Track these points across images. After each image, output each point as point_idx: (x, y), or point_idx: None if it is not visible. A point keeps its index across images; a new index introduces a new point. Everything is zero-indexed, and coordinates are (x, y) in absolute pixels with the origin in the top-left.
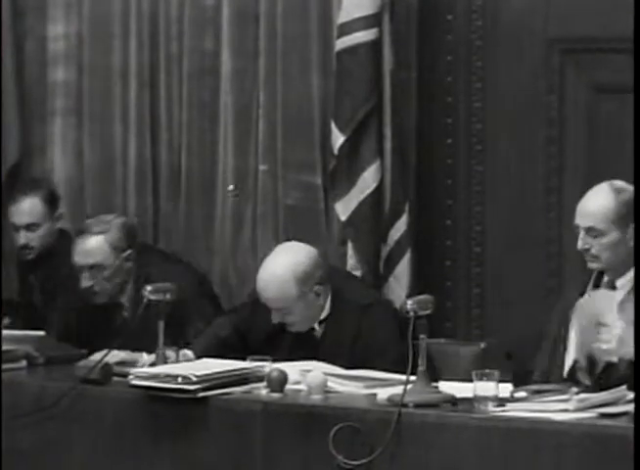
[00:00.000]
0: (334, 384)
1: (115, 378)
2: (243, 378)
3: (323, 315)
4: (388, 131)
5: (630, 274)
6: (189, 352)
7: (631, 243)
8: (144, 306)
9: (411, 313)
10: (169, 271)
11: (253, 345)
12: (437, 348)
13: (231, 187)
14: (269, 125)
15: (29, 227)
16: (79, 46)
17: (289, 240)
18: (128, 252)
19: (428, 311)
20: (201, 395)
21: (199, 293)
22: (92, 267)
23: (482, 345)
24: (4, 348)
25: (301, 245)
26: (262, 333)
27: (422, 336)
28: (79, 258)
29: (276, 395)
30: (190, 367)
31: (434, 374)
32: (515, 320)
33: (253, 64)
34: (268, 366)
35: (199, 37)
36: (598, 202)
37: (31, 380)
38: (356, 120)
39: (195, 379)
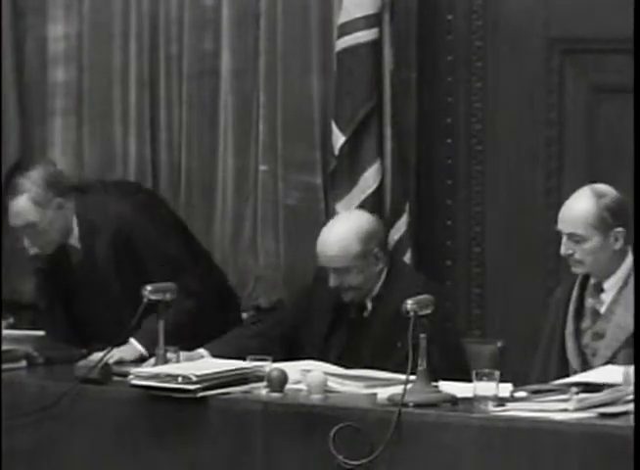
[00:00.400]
0: (334, 384)
1: (116, 378)
2: (243, 378)
3: (377, 288)
4: (388, 131)
5: (617, 276)
6: (204, 352)
7: (615, 246)
8: (143, 307)
9: (411, 313)
10: (108, 202)
11: (300, 340)
12: None
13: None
14: (269, 126)
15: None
16: (79, 46)
17: (289, 240)
18: (56, 201)
19: (428, 311)
20: (201, 394)
21: (152, 221)
22: (26, 227)
23: (499, 343)
24: (4, 348)
25: (362, 211)
26: (315, 327)
27: (422, 335)
28: (12, 220)
29: (276, 394)
30: (190, 367)
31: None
32: (515, 320)
33: (254, 64)
34: (268, 366)
35: (199, 38)
36: (579, 207)
37: (31, 380)
38: (357, 121)
39: (195, 379)
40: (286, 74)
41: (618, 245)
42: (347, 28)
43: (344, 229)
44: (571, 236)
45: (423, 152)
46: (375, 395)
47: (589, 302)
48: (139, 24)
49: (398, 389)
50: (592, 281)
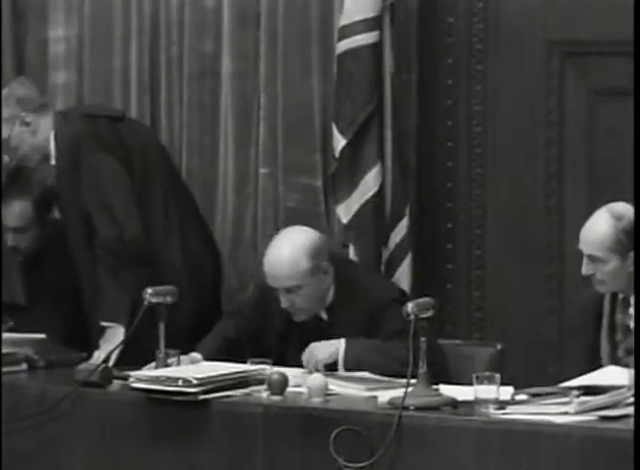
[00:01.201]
0: (334, 386)
1: (116, 381)
2: (243, 381)
3: (329, 300)
4: (388, 134)
5: None
6: (197, 355)
7: (631, 268)
8: (144, 310)
9: (412, 316)
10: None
11: (262, 344)
12: (453, 349)
13: None
14: (270, 128)
15: (17, 230)
16: (80, 48)
17: None
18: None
19: (429, 314)
20: (201, 397)
21: None
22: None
23: (499, 346)
24: (4, 351)
25: (303, 227)
26: (270, 331)
27: (422, 338)
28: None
29: (277, 397)
30: (190, 370)
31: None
32: (515, 323)
33: (254, 66)
34: (269, 369)
35: (199, 39)
36: (597, 230)
37: (32, 383)
38: (357, 123)
39: (195, 382)
40: (286, 77)
41: (632, 267)
42: (348, 31)
43: (292, 248)
44: (590, 257)
45: (423, 155)
46: (375, 398)
47: (619, 317)
48: (139, 26)
49: (399, 392)
50: (620, 296)
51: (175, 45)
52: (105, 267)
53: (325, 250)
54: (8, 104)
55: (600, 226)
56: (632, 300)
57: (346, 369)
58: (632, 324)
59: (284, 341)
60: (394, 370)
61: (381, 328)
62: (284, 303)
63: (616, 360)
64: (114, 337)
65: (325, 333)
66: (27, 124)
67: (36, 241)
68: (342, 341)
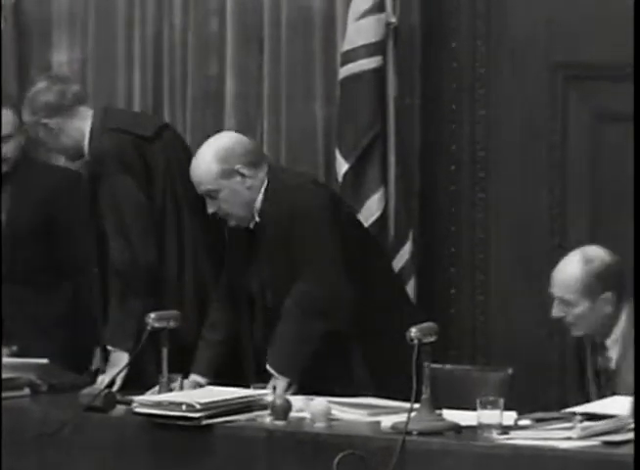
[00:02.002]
0: (337, 411)
1: (119, 405)
2: (247, 406)
3: (258, 205)
4: (392, 159)
5: (616, 334)
6: (198, 378)
7: (605, 310)
8: (147, 334)
9: (415, 341)
10: None
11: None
12: (462, 374)
13: None
14: (273, 151)
15: (5, 139)
16: (83, 72)
17: None
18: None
19: (432, 339)
20: (205, 422)
21: None
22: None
23: (510, 371)
24: (7, 376)
25: (227, 132)
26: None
27: (426, 363)
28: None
29: (280, 422)
30: (194, 395)
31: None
32: (519, 348)
33: (257, 89)
34: (272, 394)
35: (203, 62)
36: (567, 272)
37: (34, 407)
38: (360, 148)
39: (199, 407)
40: (289, 101)
41: (608, 309)
42: (351, 56)
43: (205, 153)
44: (561, 300)
45: (426, 179)
46: (378, 423)
47: (599, 360)
48: (143, 49)
49: (402, 417)
50: (597, 340)
51: (179, 68)
52: (113, 291)
53: (239, 152)
54: (33, 109)
55: (570, 269)
56: (607, 342)
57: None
58: (613, 366)
59: (230, 249)
60: None
61: (305, 237)
62: (209, 208)
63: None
64: (119, 361)
65: (254, 238)
66: (51, 130)
67: (19, 150)
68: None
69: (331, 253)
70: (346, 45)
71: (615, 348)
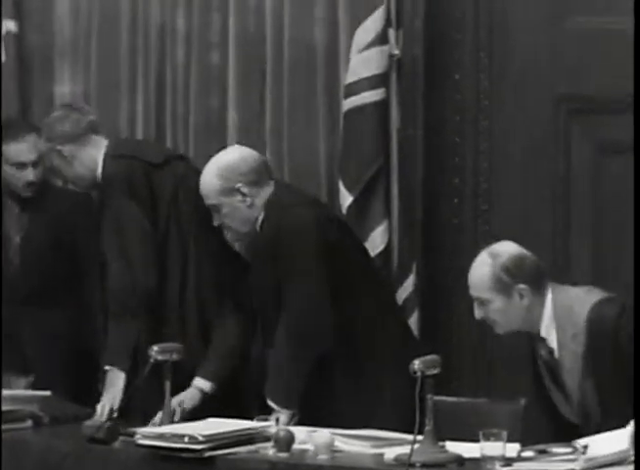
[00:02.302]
0: (341, 443)
1: (122, 437)
2: (250, 438)
3: (259, 222)
4: (395, 191)
5: (546, 321)
6: (203, 384)
7: (523, 302)
8: (149, 367)
9: (418, 373)
10: None
11: None
12: (472, 406)
13: None
14: None
15: (34, 165)
16: (86, 102)
17: None
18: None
19: (435, 371)
20: (207, 454)
21: None
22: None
23: (522, 401)
24: (9, 408)
25: (241, 147)
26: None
27: (429, 396)
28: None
29: (283, 454)
30: (196, 427)
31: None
32: (522, 381)
33: (259, 123)
34: (275, 426)
35: (205, 94)
36: (477, 271)
37: (37, 439)
38: (364, 181)
39: (201, 439)
40: (292, 134)
41: (526, 301)
42: (354, 88)
43: (209, 166)
44: (478, 300)
45: (430, 211)
46: (382, 454)
47: (543, 353)
48: (145, 82)
49: (405, 449)
50: (532, 333)
51: (181, 101)
52: (111, 313)
53: (243, 170)
54: (49, 137)
55: (479, 268)
56: (543, 332)
57: None
58: (557, 355)
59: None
60: None
61: (289, 260)
62: (214, 220)
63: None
64: (116, 380)
65: (251, 257)
66: (64, 157)
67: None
68: None
69: (315, 278)
70: (350, 77)
71: (552, 336)
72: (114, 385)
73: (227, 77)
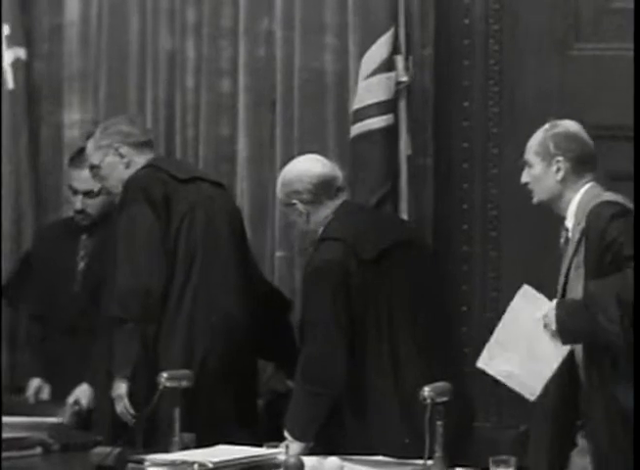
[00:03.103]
0: None
1: (131, 465)
2: (259, 465)
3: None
4: (404, 218)
5: (573, 206)
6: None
7: (557, 176)
8: (159, 394)
9: (428, 400)
10: None
11: None
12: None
13: None
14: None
15: (88, 194)
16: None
17: None
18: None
19: (445, 398)
20: None
21: None
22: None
23: (522, 428)
24: (18, 435)
25: (306, 161)
26: None
27: (439, 422)
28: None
29: None
30: (206, 454)
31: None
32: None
33: (270, 151)
34: (285, 453)
35: (214, 124)
36: (534, 136)
37: (46, 466)
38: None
39: (211, 466)
40: None
41: (560, 175)
42: (361, 115)
43: (285, 169)
44: (526, 163)
45: (439, 238)
46: None
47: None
48: (155, 111)
49: None
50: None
51: (191, 129)
52: (113, 319)
53: (299, 188)
54: (107, 134)
55: (537, 133)
56: (568, 215)
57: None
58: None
59: None
60: None
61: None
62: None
63: None
64: (117, 389)
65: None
66: (121, 156)
67: (104, 207)
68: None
69: (331, 316)
70: (356, 104)
71: (571, 220)
72: (117, 393)
73: (237, 105)
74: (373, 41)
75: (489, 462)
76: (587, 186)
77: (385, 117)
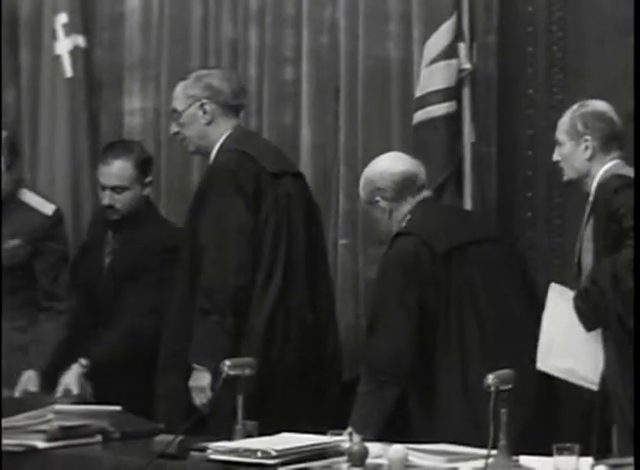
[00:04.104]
0: (415, 458)
1: (193, 452)
2: (323, 452)
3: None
4: (468, 205)
5: (596, 179)
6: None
7: (585, 155)
8: (222, 382)
9: (492, 388)
10: None
11: None
12: None
13: None
14: (349, 199)
15: (116, 189)
16: (156, 121)
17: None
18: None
19: (509, 386)
20: (280, 469)
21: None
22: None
23: None
24: (79, 422)
25: (390, 158)
26: None
27: (503, 410)
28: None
29: (357, 469)
30: (269, 442)
31: None
32: None
33: (334, 138)
34: (349, 440)
35: (278, 112)
36: (565, 115)
37: (107, 455)
38: (432, 189)
39: (274, 453)
40: (366, 148)
41: (588, 154)
42: (423, 102)
43: (373, 163)
44: (557, 141)
45: (503, 226)
46: (456, 469)
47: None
48: None
49: (479, 463)
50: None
51: (254, 118)
52: (199, 310)
53: (382, 185)
54: (196, 85)
55: (567, 112)
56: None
57: None
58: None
59: None
60: None
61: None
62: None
63: None
64: (202, 380)
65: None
66: (204, 112)
67: (134, 202)
68: None
69: (402, 305)
70: (419, 91)
71: (593, 196)
72: (200, 384)
73: (300, 93)
74: (436, 29)
75: (553, 450)
76: (611, 163)
77: (446, 105)
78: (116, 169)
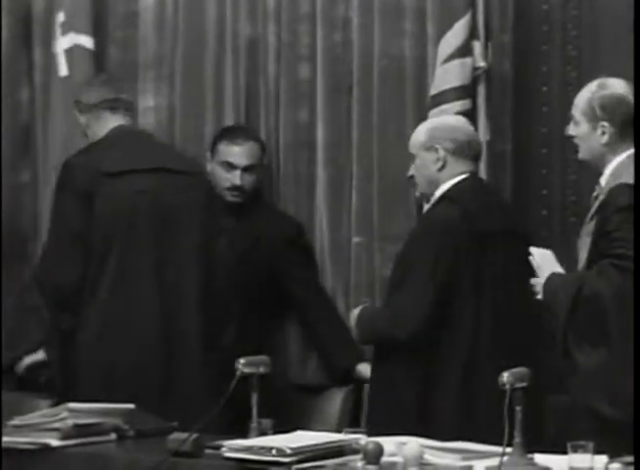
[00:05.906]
0: (430, 456)
1: (208, 450)
2: (338, 450)
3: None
4: None
5: (612, 164)
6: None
7: (602, 140)
8: (237, 380)
9: (507, 386)
10: None
11: None
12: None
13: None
14: (364, 197)
15: (247, 170)
16: (171, 119)
17: None
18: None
19: (524, 384)
20: (295, 467)
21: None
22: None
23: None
24: (93, 420)
25: (462, 119)
26: None
27: (518, 408)
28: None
29: (372, 467)
30: (284, 440)
31: None
32: None
33: (348, 136)
34: (364, 438)
35: (294, 110)
36: (581, 93)
37: (121, 453)
38: None
39: (289, 451)
40: (380, 146)
41: (604, 139)
42: (437, 100)
43: (426, 122)
44: (573, 118)
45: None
46: (471, 467)
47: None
48: (235, 97)
49: (494, 461)
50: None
51: (272, 115)
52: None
53: (447, 138)
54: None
55: (584, 91)
56: (606, 171)
57: None
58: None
59: None
60: None
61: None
62: (409, 171)
63: None
64: None
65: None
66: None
67: (256, 183)
68: None
69: (424, 276)
70: (433, 89)
71: (604, 180)
72: None
73: (316, 92)
74: (450, 27)
75: (568, 447)
76: (628, 152)
77: (461, 103)
78: (250, 149)
